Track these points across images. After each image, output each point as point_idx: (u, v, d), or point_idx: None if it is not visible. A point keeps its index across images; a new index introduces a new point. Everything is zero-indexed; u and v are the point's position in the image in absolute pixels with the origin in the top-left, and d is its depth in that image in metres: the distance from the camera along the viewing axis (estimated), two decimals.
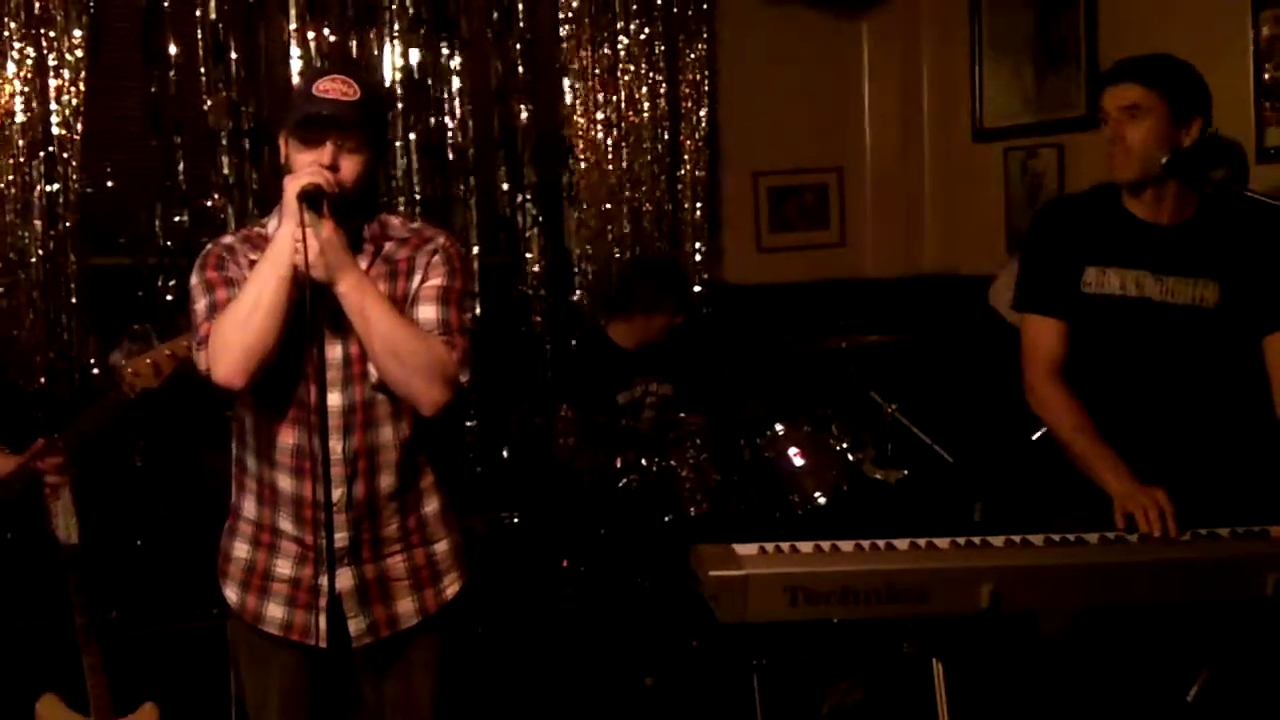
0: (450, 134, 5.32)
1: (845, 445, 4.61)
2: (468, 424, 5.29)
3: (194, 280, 2.69)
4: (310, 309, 2.53)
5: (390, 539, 2.74)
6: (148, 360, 3.05)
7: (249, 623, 2.77)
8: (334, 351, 2.63)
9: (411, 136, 5.25)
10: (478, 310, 5.04)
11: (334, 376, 2.63)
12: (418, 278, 2.69)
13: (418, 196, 5.26)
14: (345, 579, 2.69)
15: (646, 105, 5.62)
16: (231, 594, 2.79)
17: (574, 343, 5.41)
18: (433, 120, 5.29)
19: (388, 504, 2.72)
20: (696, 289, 5.73)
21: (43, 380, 4.76)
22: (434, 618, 2.79)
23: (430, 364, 2.59)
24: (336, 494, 2.63)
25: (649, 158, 5.65)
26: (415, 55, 5.23)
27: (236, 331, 2.53)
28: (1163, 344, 3.06)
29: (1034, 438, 4.17)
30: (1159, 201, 3.04)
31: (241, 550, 2.78)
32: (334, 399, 2.63)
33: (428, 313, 2.66)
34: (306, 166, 2.56)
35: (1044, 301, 3.15)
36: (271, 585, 2.74)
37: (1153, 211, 3.05)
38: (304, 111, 2.59)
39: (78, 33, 4.74)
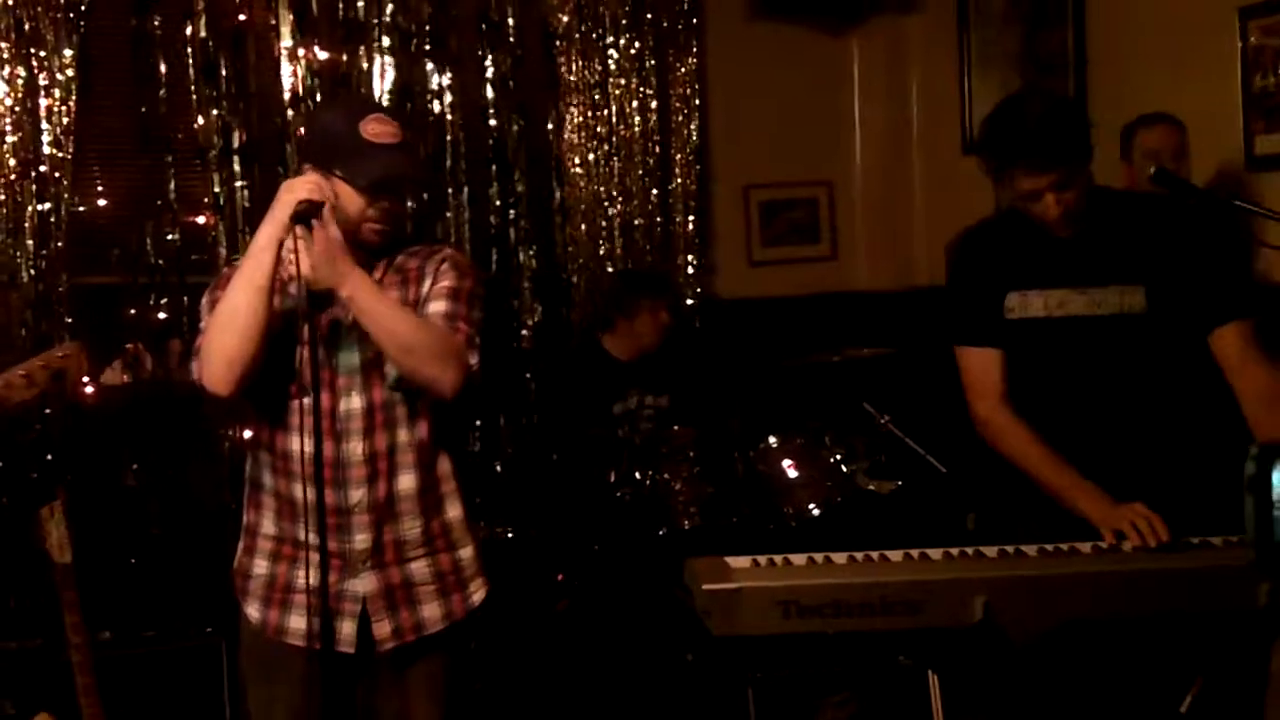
0: (441, 150, 5.33)
1: (838, 457, 4.61)
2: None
3: (205, 299, 2.75)
4: (312, 320, 2.59)
5: (413, 542, 2.77)
6: (20, 372, 2.94)
7: (271, 637, 2.78)
8: (350, 358, 2.69)
9: None
10: None
11: (352, 381, 2.69)
12: (428, 282, 2.76)
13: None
14: (370, 582, 2.73)
15: (637, 119, 5.63)
16: (253, 611, 2.81)
17: (568, 351, 5.40)
18: (423, 136, 5.29)
19: (408, 506, 2.75)
20: (689, 302, 5.73)
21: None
22: (460, 624, 2.82)
23: (441, 349, 2.65)
24: (358, 495, 2.69)
25: (640, 172, 5.66)
26: (405, 72, 5.23)
27: (218, 341, 2.60)
28: (1098, 358, 3.01)
29: None
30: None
31: (261, 567, 2.80)
32: (355, 402, 2.69)
33: (437, 307, 2.72)
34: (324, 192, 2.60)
35: (975, 333, 3.11)
36: (294, 597, 2.76)
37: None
38: (374, 172, 2.64)
39: (68, 52, 4.75)
